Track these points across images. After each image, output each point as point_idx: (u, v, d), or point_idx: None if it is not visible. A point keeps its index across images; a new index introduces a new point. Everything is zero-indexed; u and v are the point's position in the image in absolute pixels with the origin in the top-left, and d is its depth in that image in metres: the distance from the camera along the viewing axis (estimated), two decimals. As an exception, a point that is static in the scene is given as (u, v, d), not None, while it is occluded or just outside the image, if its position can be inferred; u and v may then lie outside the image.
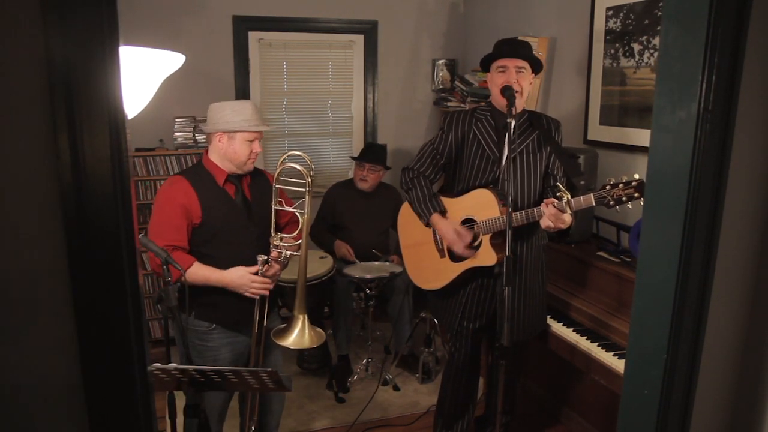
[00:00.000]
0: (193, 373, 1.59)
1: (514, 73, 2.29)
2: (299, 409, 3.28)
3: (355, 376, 3.54)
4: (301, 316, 2.24)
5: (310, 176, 2.22)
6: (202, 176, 2.24)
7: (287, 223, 2.46)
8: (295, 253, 2.28)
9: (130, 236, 1.00)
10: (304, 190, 2.22)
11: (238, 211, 2.26)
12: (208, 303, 2.18)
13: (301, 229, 2.23)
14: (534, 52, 2.44)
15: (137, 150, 3.84)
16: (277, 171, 2.25)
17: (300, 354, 3.69)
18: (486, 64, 2.40)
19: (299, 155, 2.34)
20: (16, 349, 0.99)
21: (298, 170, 2.25)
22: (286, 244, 2.24)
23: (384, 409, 3.27)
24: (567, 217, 2.13)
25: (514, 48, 2.32)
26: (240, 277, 2.18)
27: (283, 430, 3.06)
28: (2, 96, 0.91)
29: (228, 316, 2.25)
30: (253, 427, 2.46)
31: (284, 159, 2.27)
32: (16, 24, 0.89)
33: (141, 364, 1.04)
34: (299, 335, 2.22)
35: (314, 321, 3.47)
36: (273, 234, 2.25)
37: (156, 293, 2.68)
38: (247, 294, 2.20)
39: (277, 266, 2.27)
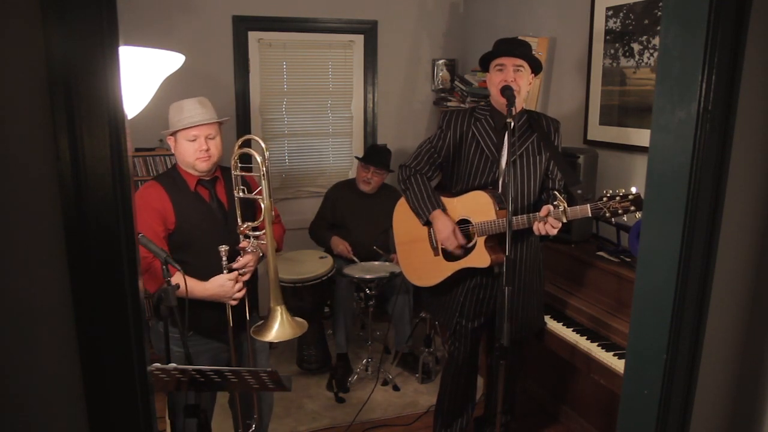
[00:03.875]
0: (193, 373, 1.59)
1: (511, 71, 2.28)
2: (299, 409, 3.27)
3: (355, 376, 3.54)
4: (278, 308, 2.14)
5: (266, 163, 2.08)
6: (176, 180, 2.18)
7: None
8: (262, 242, 2.17)
9: (130, 236, 1.00)
10: (259, 174, 2.10)
11: (213, 216, 2.20)
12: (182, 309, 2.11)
13: (264, 217, 2.11)
14: (534, 53, 2.44)
15: (137, 150, 3.84)
16: (233, 158, 2.13)
17: (300, 354, 3.69)
18: (485, 63, 2.40)
19: (254, 139, 2.19)
20: (16, 349, 0.99)
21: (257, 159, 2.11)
22: (254, 234, 2.15)
23: (384, 409, 3.27)
24: (559, 224, 2.15)
25: (512, 47, 2.32)
26: (221, 287, 2.11)
27: (283, 430, 3.06)
28: (2, 96, 0.91)
29: (203, 324, 2.19)
30: (254, 426, 2.44)
31: (239, 145, 2.13)
32: (16, 23, 0.89)
33: (141, 364, 1.04)
34: (280, 327, 2.12)
35: (314, 320, 3.51)
36: (240, 223, 2.15)
37: (156, 293, 2.68)
38: (232, 302, 2.14)
39: (249, 256, 2.18)
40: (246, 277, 2.19)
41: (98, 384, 1.01)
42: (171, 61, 1.97)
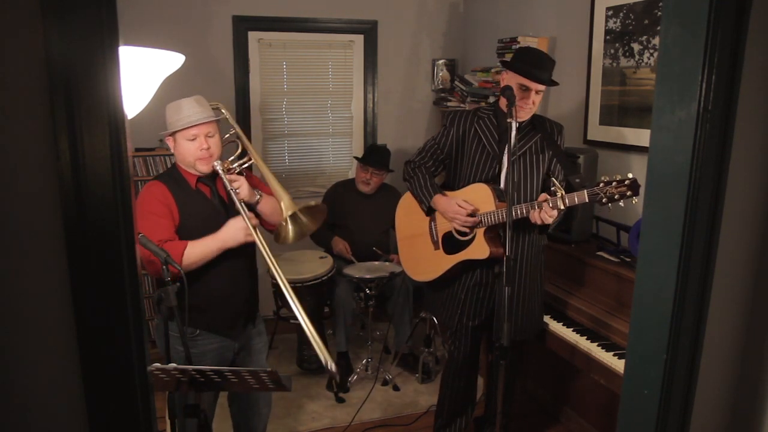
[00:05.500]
0: (193, 373, 1.59)
1: (533, 94, 2.34)
2: (299, 409, 3.27)
3: (355, 376, 3.54)
4: (288, 210, 2.18)
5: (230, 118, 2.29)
6: (177, 179, 2.21)
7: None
8: (246, 164, 2.24)
9: (130, 236, 1.00)
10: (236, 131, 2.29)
11: (215, 212, 2.21)
12: (194, 308, 2.09)
13: (245, 144, 2.25)
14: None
15: (137, 150, 3.84)
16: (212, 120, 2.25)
17: (300, 354, 3.69)
18: (509, 66, 2.42)
19: (219, 104, 2.34)
20: (16, 349, 0.99)
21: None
22: (231, 158, 2.22)
23: (384, 409, 3.27)
24: (554, 212, 2.17)
25: (544, 73, 2.35)
26: (233, 223, 2.12)
27: (284, 430, 3.06)
28: (2, 96, 0.91)
29: (213, 321, 2.21)
30: None
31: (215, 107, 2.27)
32: (16, 24, 0.89)
33: (141, 364, 1.04)
34: (294, 227, 2.22)
35: (314, 321, 3.50)
36: (217, 163, 2.17)
37: (156, 293, 2.68)
38: (247, 237, 2.13)
39: (238, 177, 2.19)
40: (242, 195, 2.17)
41: (98, 384, 1.01)
42: (171, 61, 1.97)
